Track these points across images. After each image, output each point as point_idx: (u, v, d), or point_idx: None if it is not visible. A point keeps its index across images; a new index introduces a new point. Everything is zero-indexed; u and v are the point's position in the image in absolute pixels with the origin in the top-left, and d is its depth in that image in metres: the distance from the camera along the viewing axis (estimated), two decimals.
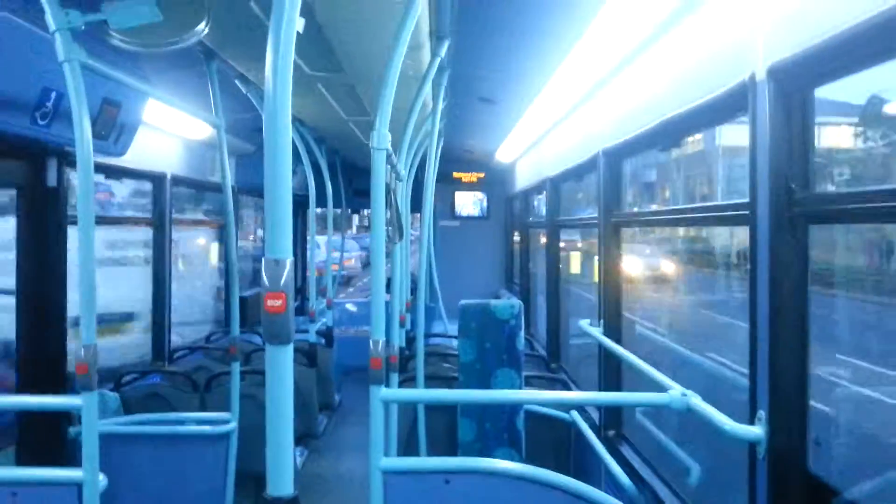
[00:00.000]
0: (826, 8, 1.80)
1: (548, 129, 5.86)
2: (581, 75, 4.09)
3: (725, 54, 2.43)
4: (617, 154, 3.90)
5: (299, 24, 1.71)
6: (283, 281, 1.65)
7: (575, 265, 6.96)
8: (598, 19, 3.24)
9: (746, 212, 2.20)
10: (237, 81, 4.38)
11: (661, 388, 2.75)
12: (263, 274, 1.66)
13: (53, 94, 3.36)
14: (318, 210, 8.32)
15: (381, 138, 2.55)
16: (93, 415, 2.72)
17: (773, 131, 2.05)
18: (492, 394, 4.02)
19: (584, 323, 4.25)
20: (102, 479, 2.79)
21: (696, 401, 2.47)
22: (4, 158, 3.80)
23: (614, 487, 3.40)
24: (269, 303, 1.65)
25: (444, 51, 3.46)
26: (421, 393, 4.12)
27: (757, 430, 2.12)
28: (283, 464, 1.72)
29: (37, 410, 3.70)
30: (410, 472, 2.60)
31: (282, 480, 1.70)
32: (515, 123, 6.18)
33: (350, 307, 9.94)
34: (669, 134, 3.03)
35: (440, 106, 4.26)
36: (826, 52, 1.81)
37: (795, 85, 2.02)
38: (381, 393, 2.51)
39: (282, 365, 1.71)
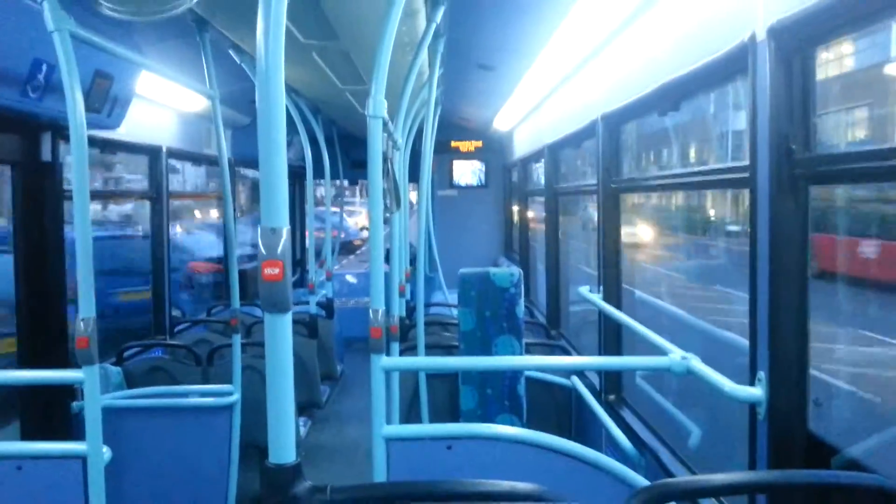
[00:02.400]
0: None
1: (546, 95, 5.80)
2: (579, 39, 4.03)
3: (725, 15, 2.39)
4: (616, 119, 3.87)
5: None
6: (279, 249, 1.64)
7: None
8: None
9: (746, 174, 2.19)
10: (231, 51, 4.33)
11: (661, 352, 2.76)
12: (260, 242, 1.65)
13: (45, 67, 3.32)
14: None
15: (378, 106, 2.52)
16: (95, 388, 2.73)
17: (773, 92, 2.03)
18: (492, 360, 4.03)
19: (584, 289, 4.26)
20: (106, 451, 2.81)
21: (696, 363, 2.48)
22: None
23: (616, 451, 3.43)
24: (267, 271, 1.64)
25: (439, 16, 3.41)
26: (422, 361, 4.14)
27: (757, 392, 2.13)
28: (285, 431, 1.72)
29: (39, 385, 3.72)
30: (413, 439, 2.62)
31: (283, 448, 1.71)
32: (513, 90, 6.12)
33: (349, 278, 9.95)
34: (669, 97, 3.00)
35: (437, 73, 4.21)
36: (827, 10, 1.78)
37: (796, 44, 1.99)
38: (382, 362, 2.52)
39: (281, 333, 1.71)
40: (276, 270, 1.64)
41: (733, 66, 2.32)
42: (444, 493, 1.70)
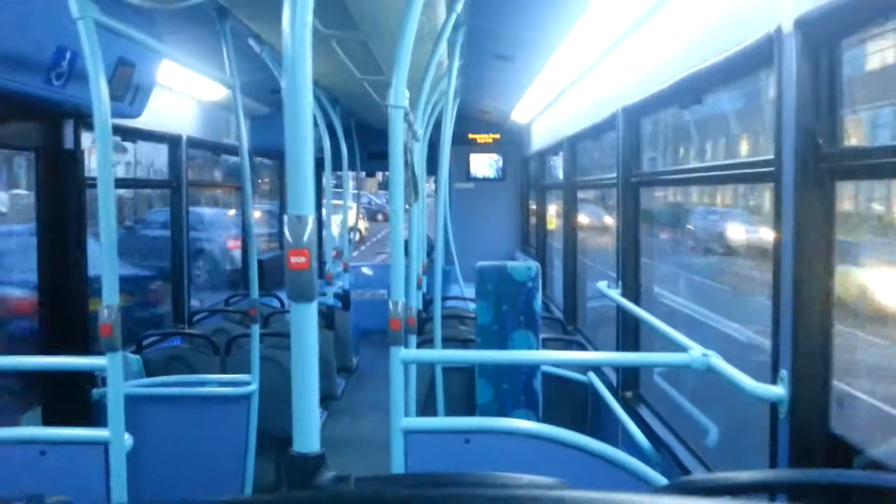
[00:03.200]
0: None
1: (565, 87, 5.76)
2: (600, 31, 4.00)
3: (750, 6, 2.35)
4: (636, 112, 3.83)
5: None
6: (305, 237, 1.64)
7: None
8: None
9: (771, 168, 2.16)
10: (251, 41, 4.33)
11: (680, 348, 2.74)
12: (286, 231, 1.65)
13: (68, 54, 3.34)
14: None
15: (399, 96, 2.51)
16: (118, 375, 2.76)
17: (799, 85, 1.99)
18: (510, 355, 4.02)
19: (602, 284, 4.23)
20: (128, 438, 2.84)
21: (717, 361, 2.45)
22: (20, 120, 3.80)
23: (632, 448, 3.41)
24: (293, 259, 1.64)
25: (460, 6, 3.39)
26: (440, 354, 4.14)
27: (779, 390, 2.10)
28: (309, 421, 1.73)
29: (62, 371, 3.76)
30: (431, 432, 2.62)
31: (308, 436, 1.72)
32: (532, 82, 6.08)
33: (366, 270, 9.96)
34: (691, 90, 2.96)
35: (456, 64, 4.19)
36: (855, 2, 1.75)
37: (823, 36, 1.95)
38: (402, 354, 2.52)
39: (306, 323, 1.71)
40: (303, 259, 1.64)
41: (758, 58, 2.28)
42: (465, 485, 1.69)
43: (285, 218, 1.68)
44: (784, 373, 2.10)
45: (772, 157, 2.16)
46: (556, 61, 5.05)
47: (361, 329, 8.79)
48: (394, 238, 2.65)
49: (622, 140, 3.96)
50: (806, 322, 2.03)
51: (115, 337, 2.70)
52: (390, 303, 2.58)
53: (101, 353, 2.78)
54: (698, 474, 2.86)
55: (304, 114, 1.66)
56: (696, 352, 2.54)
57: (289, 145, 1.67)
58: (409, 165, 3.03)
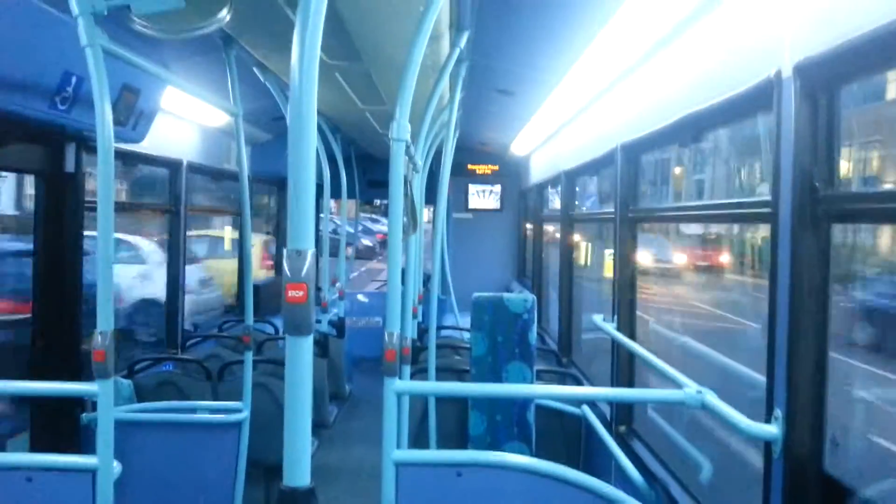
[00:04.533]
0: (855, 5, 1.77)
1: (564, 122, 5.83)
2: (600, 69, 4.06)
3: (750, 51, 2.40)
4: (635, 149, 3.87)
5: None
6: (304, 271, 1.64)
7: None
8: (619, 12, 3.21)
9: (768, 209, 2.18)
10: (255, 69, 4.38)
11: (675, 385, 2.74)
12: (285, 264, 1.65)
13: (74, 79, 3.37)
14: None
15: (401, 129, 2.53)
16: (108, 402, 2.74)
17: (797, 129, 2.02)
18: (505, 388, 4.01)
19: (598, 318, 4.23)
20: (117, 466, 2.81)
21: (712, 398, 2.45)
22: (24, 143, 3.82)
23: (625, 483, 3.39)
24: (291, 293, 1.64)
25: (464, 41, 3.44)
26: (435, 386, 4.12)
27: (773, 430, 2.10)
28: (300, 454, 1.72)
29: (52, 397, 3.73)
30: (423, 465, 2.60)
31: (299, 471, 1.70)
32: (532, 116, 6.15)
33: (361, 298, 9.95)
34: (690, 129, 3.00)
35: (458, 97, 4.24)
36: (855, 49, 1.78)
37: (822, 82, 1.99)
38: (396, 385, 2.51)
39: (301, 356, 1.71)
40: (301, 293, 1.64)
41: (757, 101, 2.32)
42: None
43: (284, 251, 1.68)
44: (778, 412, 2.10)
45: (769, 198, 2.18)
46: (555, 97, 5.11)
47: (355, 356, 8.75)
48: (392, 268, 2.66)
49: (620, 176, 3.99)
50: (801, 362, 2.03)
51: (107, 363, 2.68)
52: (386, 333, 2.57)
53: (91, 378, 2.76)
54: None
55: (308, 149, 1.67)
56: (690, 388, 2.54)
57: (292, 178, 1.68)
58: (408, 196, 3.05)
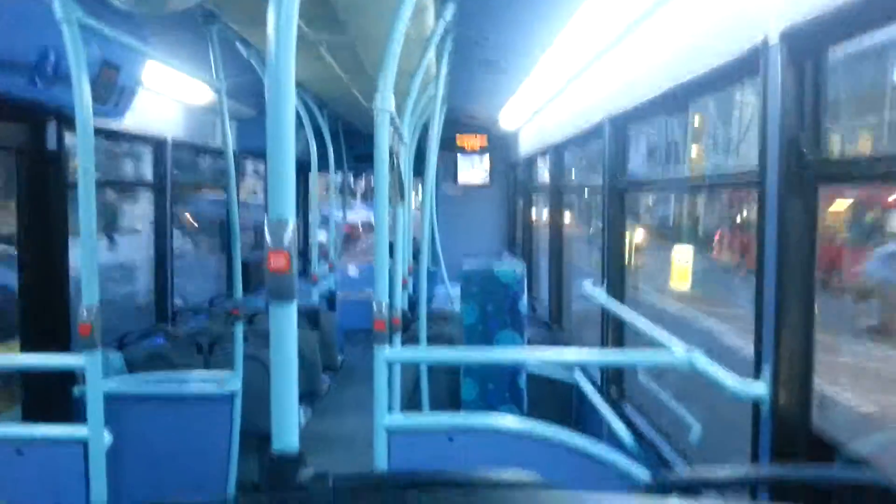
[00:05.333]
0: None
1: (552, 95, 5.80)
2: (587, 39, 4.03)
3: (737, 19, 2.39)
4: (623, 120, 3.87)
5: None
6: (286, 240, 1.66)
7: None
8: None
9: (756, 176, 2.19)
10: (238, 44, 4.32)
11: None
12: (266, 233, 1.67)
13: (52, 55, 3.31)
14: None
15: (385, 100, 2.52)
16: (97, 373, 2.74)
17: (784, 95, 2.03)
18: (495, 353, 4.03)
19: (588, 283, 4.26)
20: (107, 436, 2.82)
21: (700, 359, 2.48)
22: (3, 121, 3.76)
23: (616, 445, 3.44)
24: (273, 262, 1.65)
25: (449, 13, 3.41)
26: (424, 352, 4.14)
27: (761, 388, 2.13)
28: (288, 420, 1.74)
29: (40, 370, 3.73)
30: (414, 430, 2.63)
31: (287, 436, 1.73)
32: (519, 88, 6.12)
33: (352, 271, 9.96)
34: (677, 99, 3.00)
35: (444, 70, 4.20)
36: (840, 13, 1.78)
37: (809, 48, 2.00)
38: (386, 353, 2.53)
39: (285, 323, 1.72)
40: (283, 261, 1.65)
41: (744, 69, 2.32)
42: (445, 483, 1.70)
43: (266, 220, 1.69)
44: (766, 372, 2.13)
45: (756, 166, 2.19)
46: (542, 69, 5.09)
47: (347, 328, 8.78)
48: (379, 240, 2.66)
49: (608, 148, 3.99)
50: (788, 322, 2.07)
51: (93, 336, 2.69)
52: (374, 303, 2.58)
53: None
54: (682, 470, 2.88)
55: (287, 119, 1.68)
56: (679, 351, 2.57)
57: (271, 149, 1.68)
58: (395, 168, 3.04)
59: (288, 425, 1.74)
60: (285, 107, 1.68)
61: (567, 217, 6.63)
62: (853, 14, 1.75)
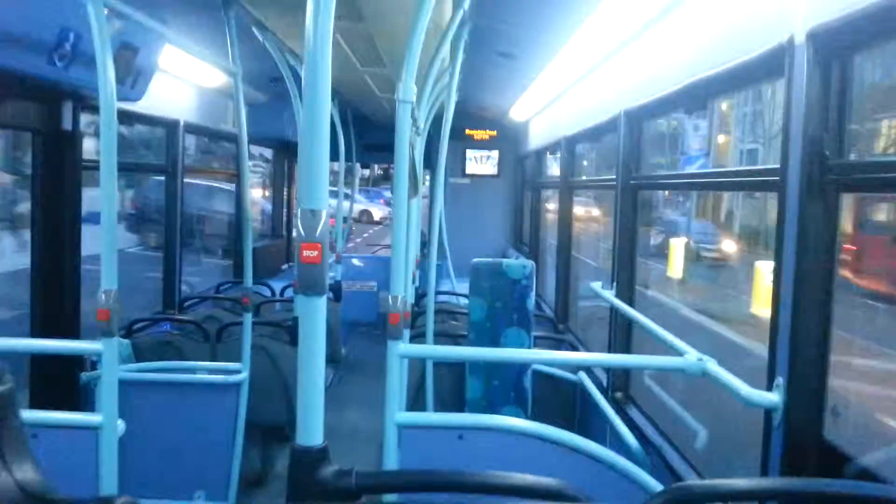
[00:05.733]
0: None
1: (566, 87, 5.77)
2: (606, 32, 4.00)
3: (762, 16, 2.36)
4: (639, 115, 3.84)
5: None
6: (318, 231, 1.65)
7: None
8: None
9: (776, 177, 2.17)
10: (254, 29, 4.31)
11: (675, 352, 2.75)
12: (299, 224, 1.65)
13: (72, 35, 3.31)
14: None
15: (407, 90, 2.50)
16: (113, 360, 2.75)
17: (808, 96, 2.00)
18: (503, 352, 4.03)
19: (597, 285, 4.25)
20: (121, 424, 2.83)
21: (713, 366, 2.46)
22: (20, 100, 3.76)
23: (621, 449, 3.43)
24: (305, 253, 1.64)
25: (467, 3, 3.38)
26: (436, 349, 4.14)
27: (774, 397, 2.12)
28: (313, 413, 1.73)
29: (56, 355, 3.73)
30: (425, 427, 2.63)
31: (312, 430, 1.72)
32: (533, 80, 6.08)
33: (356, 262, 9.96)
34: (696, 96, 2.97)
35: (459, 60, 4.18)
36: (870, 16, 1.76)
37: (835, 50, 1.97)
38: (400, 348, 2.52)
39: (315, 315, 1.71)
40: (315, 253, 1.64)
41: (768, 67, 2.29)
42: (467, 484, 1.69)
43: (298, 211, 1.68)
44: (780, 380, 2.12)
45: (777, 165, 2.17)
46: (558, 61, 5.05)
47: (350, 320, 8.79)
48: (396, 232, 2.65)
49: (623, 142, 3.97)
50: (804, 331, 2.04)
51: (112, 322, 2.69)
52: (390, 297, 2.58)
53: (91, 338, 2.77)
54: (698, 480, 2.88)
55: (323, 111, 1.67)
56: (691, 356, 2.55)
57: (306, 140, 1.68)
58: (410, 160, 3.03)
59: (313, 419, 1.73)
60: (322, 96, 1.67)
61: (597, 211, 6.50)
62: (884, 16, 1.72)
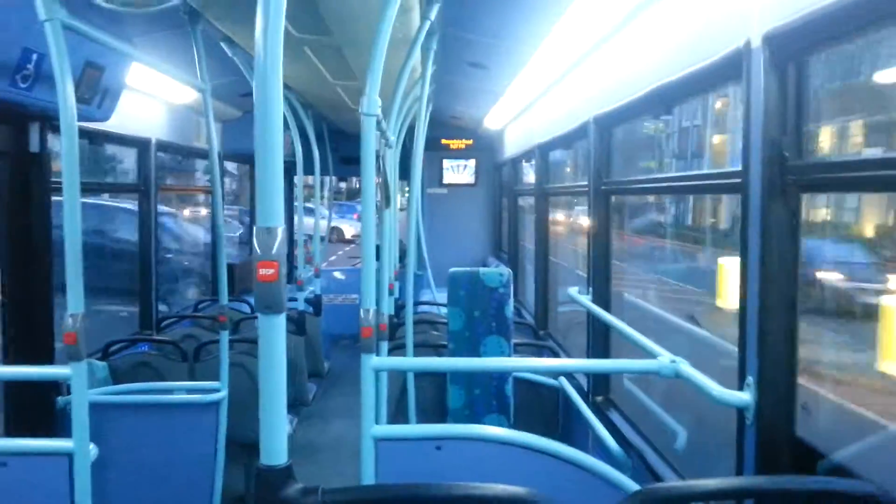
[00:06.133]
0: None
1: (538, 95, 5.81)
2: (573, 41, 4.04)
3: (720, 21, 2.40)
4: (608, 121, 3.88)
5: None
6: (274, 249, 1.63)
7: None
8: None
9: (738, 180, 2.20)
10: (223, 44, 4.30)
11: (649, 355, 2.77)
12: (255, 242, 1.64)
13: (35, 56, 3.27)
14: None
15: (371, 104, 2.51)
16: (82, 384, 2.71)
17: (767, 99, 2.03)
18: (482, 362, 4.03)
19: (573, 290, 4.27)
20: (93, 448, 2.79)
21: (685, 367, 2.49)
22: None
23: (602, 452, 3.44)
24: (262, 271, 1.62)
25: (434, 13, 3.40)
26: (412, 361, 4.13)
27: (745, 396, 2.14)
28: (277, 433, 1.71)
29: (25, 381, 3.68)
30: (402, 439, 2.61)
31: (275, 449, 1.70)
32: (505, 89, 6.12)
33: (337, 275, 9.93)
34: (662, 101, 3.00)
35: (429, 71, 4.20)
36: (823, 18, 1.79)
37: (791, 52, 2.00)
38: (373, 362, 2.51)
39: (274, 334, 1.69)
40: (272, 271, 1.63)
41: (727, 71, 2.33)
42: (435, 497, 1.69)
43: (254, 229, 1.66)
44: (750, 379, 2.14)
45: (739, 168, 2.20)
46: (528, 70, 5.09)
47: (333, 334, 8.75)
48: (365, 244, 2.65)
49: (594, 149, 4.00)
50: (771, 330, 2.07)
51: (79, 346, 2.65)
52: (361, 310, 2.57)
53: (65, 362, 2.73)
54: (668, 482, 2.89)
55: (275, 123, 1.65)
56: (664, 358, 2.57)
57: (258, 155, 1.65)
58: (381, 172, 3.03)
59: (276, 438, 1.71)
60: (273, 110, 1.65)
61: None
62: (837, 19, 1.75)
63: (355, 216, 28.50)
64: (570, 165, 6.35)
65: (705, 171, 3.36)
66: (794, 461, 2.08)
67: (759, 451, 2.11)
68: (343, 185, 35.02)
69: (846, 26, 1.78)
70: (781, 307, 2.06)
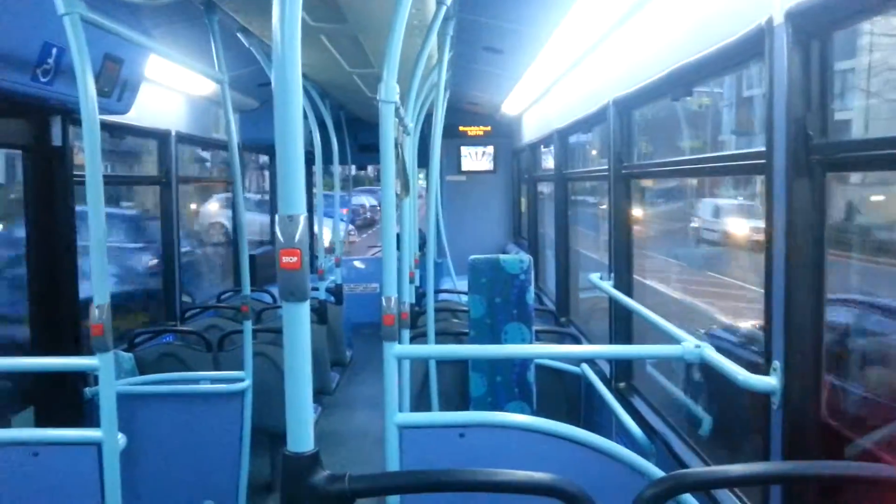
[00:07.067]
0: None
1: (555, 79, 5.75)
2: (590, 22, 3.99)
3: None
4: (627, 104, 3.83)
5: None
6: (297, 237, 1.63)
7: None
8: None
9: (762, 160, 2.16)
10: (239, 35, 4.30)
11: (673, 339, 2.75)
12: (277, 230, 1.64)
13: (55, 50, 3.30)
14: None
15: (389, 91, 2.49)
16: (109, 375, 2.75)
17: (790, 77, 1.99)
18: (504, 349, 4.03)
19: (595, 276, 4.24)
20: (121, 438, 2.83)
21: (710, 352, 2.46)
22: (7, 117, 3.76)
23: (625, 439, 3.43)
24: (284, 259, 1.63)
25: None
26: (434, 349, 4.14)
27: (772, 381, 2.11)
28: (303, 420, 1.72)
29: (53, 372, 3.73)
30: (425, 427, 2.62)
31: (302, 436, 1.71)
32: (522, 74, 6.07)
33: (358, 264, 9.96)
34: (682, 82, 2.96)
35: (446, 56, 4.17)
36: None
37: (814, 29, 1.96)
38: (395, 350, 2.51)
39: (298, 322, 1.70)
40: (294, 259, 1.63)
41: (749, 50, 2.28)
42: (460, 483, 1.69)
43: (276, 217, 1.67)
44: (777, 364, 2.11)
45: (763, 148, 2.16)
46: (546, 53, 5.04)
47: (354, 323, 8.79)
48: (386, 232, 2.64)
49: (613, 132, 3.96)
50: (798, 313, 2.03)
51: (106, 337, 2.69)
52: (383, 298, 2.57)
53: (92, 353, 2.77)
54: (694, 468, 2.87)
55: (295, 112, 1.64)
56: (689, 343, 2.54)
57: (279, 144, 1.65)
58: (399, 160, 3.02)
59: (302, 426, 1.72)
60: (292, 100, 1.64)
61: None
62: None
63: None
64: (594, 149, 6.27)
65: (728, 153, 3.30)
66: (822, 446, 2.05)
67: (786, 436, 2.08)
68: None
69: (870, 1, 1.73)
70: (808, 290, 2.02)
